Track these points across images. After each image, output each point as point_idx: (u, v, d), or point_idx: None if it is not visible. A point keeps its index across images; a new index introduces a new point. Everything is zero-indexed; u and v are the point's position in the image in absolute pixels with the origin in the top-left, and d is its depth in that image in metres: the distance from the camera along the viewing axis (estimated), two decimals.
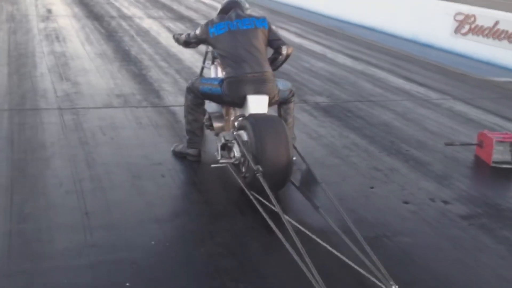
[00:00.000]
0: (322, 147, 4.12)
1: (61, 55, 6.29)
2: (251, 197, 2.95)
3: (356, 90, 5.99)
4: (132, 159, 3.55)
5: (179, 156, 3.62)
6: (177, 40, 3.87)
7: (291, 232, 2.42)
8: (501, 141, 3.98)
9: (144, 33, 8.18)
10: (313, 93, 5.70)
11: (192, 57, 6.58)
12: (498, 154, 3.96)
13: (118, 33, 8.02)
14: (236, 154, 3.20)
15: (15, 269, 2.32)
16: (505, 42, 8.36)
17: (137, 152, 3.67)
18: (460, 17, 9.09)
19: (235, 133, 3.24)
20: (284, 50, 3.54)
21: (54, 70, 5.62)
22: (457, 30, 9.16)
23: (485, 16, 8.70)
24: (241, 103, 3.34)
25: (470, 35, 8.95)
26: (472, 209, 3.28)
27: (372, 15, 10.99)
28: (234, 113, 3.56)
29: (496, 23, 8.48)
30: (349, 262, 2.39)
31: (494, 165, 3.95)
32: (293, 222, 2.64)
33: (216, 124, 3.60)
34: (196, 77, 4.05)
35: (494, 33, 8.53)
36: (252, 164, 2.92)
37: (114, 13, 9.87)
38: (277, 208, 2.63)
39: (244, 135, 3.15)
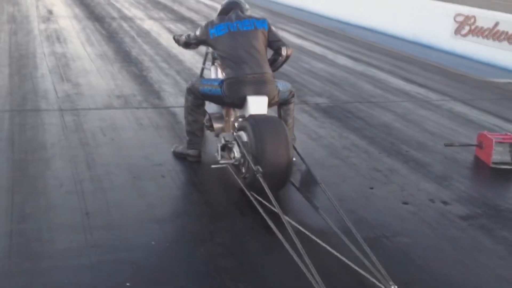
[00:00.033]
0: (322, 148, 4.13)
1: (62, 56, 6.31)
2: (251, 198, 2.96)
3: (356, 91, 6.00)
4: (133, 160, 3.56)
5: (179, 156, 3.63)
6: (177, 41, 3.88)
7: (290, 233, 2.42)
8: (500, 142, 3.99)
9: (145, 34, 8.20)
10: (313, 94, 5.71)
11: (192, 58, 6.60)
12: (497, 155, 3.96)
13: (119, 34, 8.04)
14: (236, 154, 3.21)
15: (15, 268, 2.33)
16: (505, 43, 8.37)
17: (138, 153, 3.68)
18: (460, 18, 9.10)
19: (235, 134, 3.25)
20: (284, 51, 3.55)
21: (55, 71, 5.64)
22: (457, 31, 9.17)
23: (485, 17, 8.71)
24: (241, 104, 3.35)
25: (470, 36, 8.97)
26: (472, 210, 3.29)
27: (372, 16, 11.01)
28: (234, 114, 3.57)
29: (496, 24, 8.50)
30: (349, 263, 2.40)
31: (493, 165, 3.96)
32: (293, 223, 2.65)
33: (216, 125, 3.61)
34: (196, 78, 4.06)
35: (494, 34, 8.54)
36: (252, 164, 2.92)
37: (115, 14, 9.90)
38: (277, 209, 2.64)
39: (244, 136, 3.16)
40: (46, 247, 2.51)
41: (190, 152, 3.59)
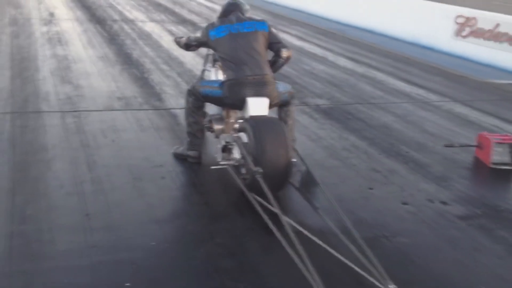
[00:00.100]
0: (321, 149, 4.14)
1: (64, 59, 6.33)
2: (251, 199, 2.97)
3: (357, 93, 6.01)
4: (133, 161, 3.58)
5: (179, 158, 3.65)
6: (178, 43, 3.90)
7: (290, 233, 2.43)
8: (500, 143, 4.00)
9: (146, 37, 8.22)
10: (313, 95, 5.73)
11: (193, 60, 6.61)
12: (497, 156, 3.97)
13: (120, 36, 8.06)
14: (236, 156, 3.23)
15: (16, 269, 2.35)
16: (506, 44, 8.38)
17: (138, 154, 3.69)
18: (461, 20, 9.11)
19: (235, 135, 3.26)
20: (284, 53, 3.57)
21: (56, 74, 5.66)
22: (457, 33, 9.18)
23: (486, 18, 8.72)
24: (242, 105, 3.36)
25: (470, 37, 8.97)
26: (471, 210, 3.30)
27: (372, 17, 11.02)
28: (234, 115, 3.58)
29: (497, 25, 8.50)
30: (348, 263, 2.40)
31: (493, 166, 3.97)
32: (293, 223, 2.66)
33: (217, 126, 3.62)
34: (197, 79, 4.08)
35: (495, 35, 8.54)
36: (252, 165, 2.94)
37: (116, 17, 9.93)
38: (276, 209, 2.64)
39: (244, 137, 3.17)
40: (47, 248, 2.53)
41: (191, 153, 3.61)
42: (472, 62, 8.63)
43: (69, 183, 3.18)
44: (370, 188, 3.48)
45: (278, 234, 2.57)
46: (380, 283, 2.22)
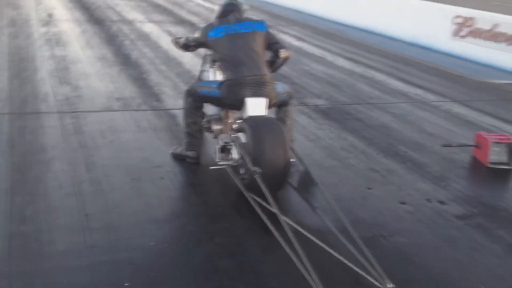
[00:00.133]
0: (320, 149, 4.15)
1: (62, 60, 6.34)
2: (249, 199, 2.98)
3: (355, 93, 6.02)
4: (132, 161, 3.58)
5: (178, 158, 3.66)
6: (176, 44, 3.91)
7: (288, 233, 2.45)
8: (497, 142, 4.01)
9: (145, 37, 8.23)
10: (312, 95, 5.74)
11: (192, 61, 6.61)
12: (495, 155, 3.99)
13: (119, 37, 8.07)
14: (234, 156, 3.24)
15: (15, 269, 2.36)
16: (504, 44, 8.39)
17: (137, 155, 3.70)
18: (459, 20, 9.13)
19: (233, 135, 3.27)
20: (283, 54, 3.58)
21: (54, 74, 5.66)
22: (456, 33, 9.20)
23: (484, 19, 8.73)
24: (240, 105, 3.37)
25: (469, 37, 8.99)
26: (468, 209, 3.31)
27: (371, 18, 11.03)
28: (232, 115, 3.59)
29: (495, 25, 8.52)
30: (347, 262, 2.41)
31: (491, 166, 3.98)
32: (291, 223, 2.67)
33: (215, 127, 3.63)
34: (195, 80, 4.09)
35: (493, 35, 8.56)
36: (250, 166, 2.95)
37: (115, 18, 9.93)
38: (275, 209, 2.66)
39: (242, 137, 3.18)
40: (46, 248, 2.54)
41: (189, 153, 3.61)
42: (471, 62, 8.64)
43: (68, 183, 3.19)
44: (369, 188, 3.49)
45: (277, 234, 2.58)
46: (379, 282, 2.24)
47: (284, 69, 3.76)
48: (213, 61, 3.87)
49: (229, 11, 3.60)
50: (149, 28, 9.15)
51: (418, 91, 6.36)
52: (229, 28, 3.45)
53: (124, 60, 6.59)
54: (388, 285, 2.21)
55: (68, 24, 8.83)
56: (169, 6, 12.24)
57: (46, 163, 3.46)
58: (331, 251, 2.51)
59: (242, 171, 3.17)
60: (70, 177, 3.27)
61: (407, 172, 3.82)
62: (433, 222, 3.10)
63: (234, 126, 3.34)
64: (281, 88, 3.54)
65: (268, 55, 3.59)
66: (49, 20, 9.06)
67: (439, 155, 4.19)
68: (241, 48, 3.39)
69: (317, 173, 3.25)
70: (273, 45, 3.58)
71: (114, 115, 4.53)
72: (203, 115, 3.67)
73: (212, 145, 3.70)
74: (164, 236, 2.73)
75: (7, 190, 3.06)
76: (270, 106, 3.44)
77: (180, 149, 3.70)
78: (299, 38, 9.49)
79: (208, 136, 3.85)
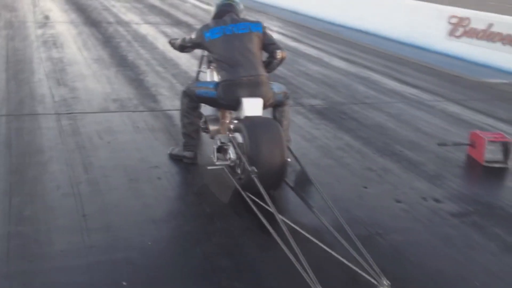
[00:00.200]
0: (316, 148, 4.18)
1: (59, 61, 6.34)
2: (247, 198, 3.00)
3: (351, 93, 6.05)
4: (129, 162, 3.59)
5: (175, 159, 3.67)
6: (172, 45, 3.93)
7: (286, 232, 2.46)
8: (492, 141, 4.04)
9: (141, 39, 8.24)
10: (308, 96, 5.76)
11: (188, 62, 6.64)
12: (490, 154, 4.02)
13: (116, 38, 8.07)
14: (231, 156, 3.25)
15: (14, 270, 2.36)
16: (499, 44, 8.45)
17: (134, 156, 3.71)
18: (455, 20, 9.17)
19: (230, 135, 3.29)
20: (279, 55, 3.60)
21: (51, 76, 5.67)
22: (451, 33, 9.24)
23: (479, 19, 8.78)
24: (236, 106, 3.39)
25: (464, 37, 9.04)
26: (464, 208, 3.34)
27: (367, 18, 11.07)
28: (229, 116, 3.61)
29: (490, 25, 8.57)
30: (343, 260, 2.43)
31: (486, 164, 4.01)
32: (288, 222, 2.68)
33: (212, 127, 3.65)
34: (192, 81, 4.10)
35: (488, 35, 8.61)
36: (247, 165, 2.96)
37: (111, 19, 9.93)
38: (272, 209, 2.67)
39: (239, 137, 3.20)
40: (44, 248, 2.54)
41: (186, 154, 3.63)
42: (466, 62, 8.69)
43: (66, 184, 3.20)
44: (365, 187, 3.52)
45: (274, 233, 2.60)
46: (375, 280, 2.25)
47: (281, 70, 3.78)
48: (210, 62, 3.89)
49: (225, 12, 3.61)
50: (146, 29, 9.16)
51: (414, 91, 6.40)
52: (225, 28, 3.46)
53: (121, 62, 6.60)
54: (384, 283, 2.23)
55: (65, 26, 8.83)
56: (165, 7, 12.25)
57: (44, 164, 3.47)
58: (328, 249, 2.53)
59: (239, 171, 3.18)
60: (68, 178, 3.28)
61: (402, 171, 3.85)
62: (429, 220, 3.13)
63: (231, 126, 3.36)
64: (277, 88, 3.56)
65: (264, 55, 3.61)
66: (45, 22, 9.05)
67: (435, 154, 4.22)
68: (237, 49, 3.41)
69: (314, 172, 3.27)
70: (269, 46, 3.60)
71: (111, 116, 4.54)
72: (200, 115, 3.68)
73: (209, 145, 3.73)
74: (162, 236, 2.75)
75: (5, 191, 3.06)
76: (266, 106, 3.45)
77: (177, 150, 3.71)
78: (295, 39, 9.52)
79: (205, 136, 3.87)
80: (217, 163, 3.32)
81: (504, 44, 8.36)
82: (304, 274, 2.22)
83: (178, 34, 8.66)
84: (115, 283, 2.32)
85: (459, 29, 9.09)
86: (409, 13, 10.08)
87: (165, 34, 8.78)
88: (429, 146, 4.39)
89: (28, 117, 4.35)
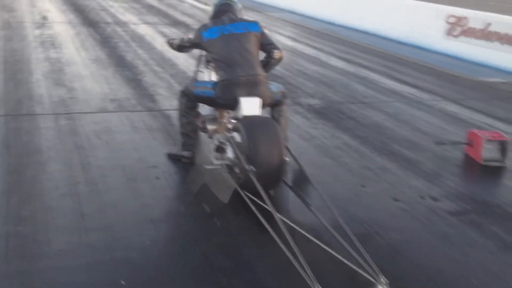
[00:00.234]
0: (314, 148, 4.18)
1: (57, 61, 6.34)
2: (245, 198, 3.00)
3: (349, 92, 6.06)
4: (127, 162, 3.60)
5: (173, 158, 3.67)
6: (171, 45, 3.93)
7: (284, 231, 2.46)
8: (490, 140, 4.05)
9: (139, 39, 8.24)
10: (306, 95, 5.77)
11: (186, 62, 6.64)
12: (487, 153, 4.03)
13: (114, 39, 8.07)
14: (229, 155, 3.25)
15: (13, 269, 2.36)
16: (497, 43, 8.46)
17: (132, 155, 3.72)
18: (453, 20, 9.19)
19: (228, 135, 3.29)
20: (276, 55, 3.60)
21: (49, 76, 5.67)
22: (449, 33, 9.26)
23: (477, 18, 8.80)
24: (234, 105, 3.39)
25: (462, 37, 9.05)
26: (461, 206, 3.35)
27: (365, 18, 11.09)
28: (227, 115, 3.61)
29: (488, 25, 8.59)
30: (341, 259, 2.43)
31: (484, 163, 4.02)
32: (286, 221, 2.68)
33: (210, 127, 3.65)
34: (190, 80, 4.11)
35: (486, 35, 8.63)
36: (245, 165, 2.97)
37: (109, 19, 9.93)
38: (270, 207, 2.68)
39: (237, 136, 3.20)
40: (43, 248, 2.55)
41: (184, 153, 3.63)
42: (464, 62, 8.71)
43: (64, 184, 3.20)
44: (363, 186, 3.52)
45: (272, 232, 2.59)
46: (373, 278, 2.26)
47: (279, 69, 3.79)
48: (208, 62, 3.89)
49: (223, 11, 3.62)
50: (144, 29, 9.16)
51: (412, 90, 6.41)
52: (223, 28, 3.47)
53: (119, 62, 6.60)
54: (382, 281, 2.23)
55: (63, 27, 8.83)
56: (163, 7, 12.25)
57: (42, 164, 3.47)
58: (326, 248, 2.53)
59: (237, 170, 3.19)
60: (66, 178, 3.28)
61: (400, 170, 3.86)
62: (427, 219, 3.14)
63: (229, 125, 3.36)
64: (275, 88, 3.57)
65: (262, 55, 3.61)
66: (43, 22, 9.05)
67: (432, 153, 4.23)
68: (235, 49, 3.41)
69: (312, 171, 3.26)
70: (266, 46, 3.60)
71: (110, 116, 4.54)
72: (198, 115, 3.68)
73: (207, 145, 3.73)
74: (161, 235, 2.75)
75: (3, 191, 3.06)
76: (264, 105, 3.46)
77: (175, 149, 3.72)
78: (293, 39, 9.53)
79: (203, 136, 3.87)
80: (215, 162, 3.33)
81: (502, 43, 8.38)
82: (303, 273, 2.22)
83: (176, 34, 8.66)
84: (114, 283, 2.32)
85: (457, 28, 9.11)
86: (409, 13, 10.09)
87: (163, 34, 8.78)
88: (427, 145, 4.40)
89: (26, 117, 4.35)
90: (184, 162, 3.61)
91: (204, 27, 3.54)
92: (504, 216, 3.29)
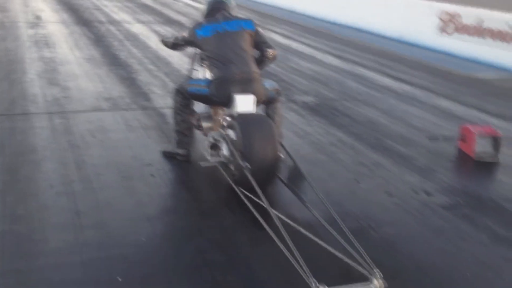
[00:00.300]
0: (309, 144, 4.20)
1: (51, 61, 6.33)
2: (240, 194, 3.01)
3: (343, 90, 6.08)
4: (122, 160, 3.60)
5: (168, 156, 3.68)
6: (165, 44, 3.93)
7: (279, 226, 2.47)
8: (483, 135, 4.08)
9: (133, 38, 8.23)
10: (300, 93, 5.79)
11: (180, 60, 6.64)
12: (480, 148, 4.06)
13: (107, 38, 8.06)
14: (224, 153, 3.27)
15: (8, 267, 2.37)
16: (490, 40, 8.50)
17: (127, 154, 3.72)
18: (446, 16, 9.23)
19: (223, 132, 3.30)
20: (270, 53, 3.63)
21: (43, 76, 5.66)
22: (442, 29, 9.30)
23: (470, 15, 8.84)
24: (229, 103, 3.40)
25: (455, 33, 9.09)
26: (454, 200, 3.37)
27: (359, 15, 11.12)
28: (222, 113, 3.62)
29: (481, 21, 8.63)
30: (336, 253, 2.44)
31: (476, 158, 4.05)
32: (281, 216, 2.69)
33: (205, 124, 3.66)
34: (184, 79, 4.11)
35: (479, 31, 8.67)
36: (240, 161, 2.98)
37: (103, 19, 9.91)
38: (265, 203, 2.69)
39: (232, 134, 3.21)
40: (39, 246, 2.55)
41: (179, 151, 3.64)
42: (457, 58, 8.74)
43: (59, 182, 3.20)
44: (357, 182, 3.54)
45: (267, 228, 2.61)
46: (368, 272, 2.27)
47: (273, 67, 3.81)
48: (202, 60, 3.90)
49: (217, 9, 3.62)
50: (138, 28, 9.15)
51: (405, 87, 6.44)
52: (217, 27, 3.48)
53: (113, 61, 6.60)
54: (377, 275, 2.25)
55: (57, 26, 8.81)
56: (157, 6, 12.24)
57: (37, 163, 3.47)
58: (321, 243, 2.54)
59: (232, 167, 3.20)
60: (61, 176, 3.28)
61: (394, 165, 3.88)
62: (420, 213, 3.16)
63: (224, 123, 3.37)
64: (269, 85, 3.58)
65: (256, 53, 3.62)
66: (37, 22, 9.02)
67: (426, 149, 4.26)
68: (229, 47, 3.43)
69: (306, 168, 3.28)
70: (260, 44, 3.62)
71: (104, 115, 4.54)
72: (192, 113, 3.69)
73: (202, 142, 3.74)
74: (156, 232, 2.76)
75: None
76: (258, 103, 3.47)
77: (170, 147, 3.73)
78: (287, 37, 9.54)
79: (198, 133, 3.88)
80: (210, 160, 3.34)
81: (494, 40, 8.42)
82: (298, 267, 2.23)
83: (170, 32, 8.65)
84: (110, 279, 2.33)
85: (450, 25, 9.14)
86: (402, 10, 10.12)
87: (157, 33, 8.77)
88: (420, 141, 4.43)
89: (21, 117, 4.35)
90: (179, 160, 3.62)
91: (198, 25, 3.55)
92: (496, 209, 3.31)
